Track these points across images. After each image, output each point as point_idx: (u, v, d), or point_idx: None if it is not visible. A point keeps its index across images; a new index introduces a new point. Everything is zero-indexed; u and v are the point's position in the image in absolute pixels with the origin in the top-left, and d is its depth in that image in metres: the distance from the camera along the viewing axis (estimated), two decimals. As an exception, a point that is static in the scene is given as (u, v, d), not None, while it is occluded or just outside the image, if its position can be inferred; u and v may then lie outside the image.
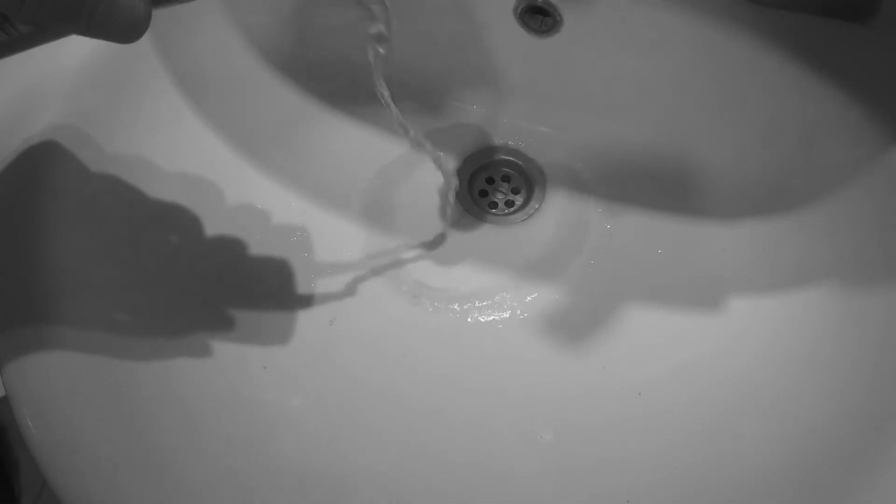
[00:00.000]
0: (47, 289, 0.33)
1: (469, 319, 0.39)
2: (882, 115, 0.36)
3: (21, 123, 0.35)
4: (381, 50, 0.30)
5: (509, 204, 0.43)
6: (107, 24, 0.22)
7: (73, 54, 0.36)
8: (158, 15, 0.24)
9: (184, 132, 0.40)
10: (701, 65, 0.40)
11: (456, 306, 0.39)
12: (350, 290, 0.39)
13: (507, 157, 0.44)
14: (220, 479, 0.32)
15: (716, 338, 0.37)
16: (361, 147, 0.44)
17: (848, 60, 0.37)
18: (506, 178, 0.44)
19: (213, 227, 0.38)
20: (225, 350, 0.36)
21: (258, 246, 0.39)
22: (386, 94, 0.32)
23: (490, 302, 0.39)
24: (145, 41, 0.34)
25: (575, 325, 0.38)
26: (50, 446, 0.30)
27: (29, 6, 0.21)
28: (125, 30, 0.23)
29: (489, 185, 0.44)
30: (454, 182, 0.39)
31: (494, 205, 0.43)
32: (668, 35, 0.39)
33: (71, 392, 0.31)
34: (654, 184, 0.42)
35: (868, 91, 0.37)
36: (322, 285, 0.39)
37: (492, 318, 0.39)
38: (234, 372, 0.36)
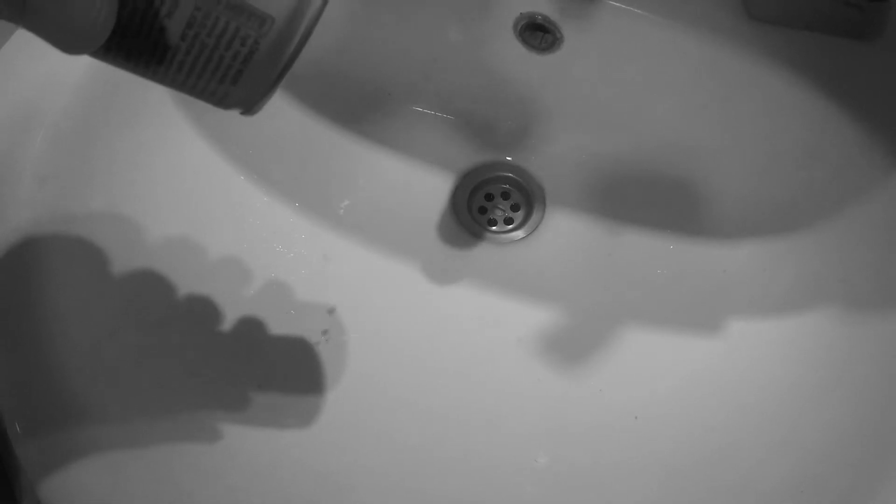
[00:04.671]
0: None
1: (466, 339, 0.39)
2: (885, 135, 0.36)
3: (15, 143, 0.35)
4: None
5: (508, 221, 0.43)
6: (48, 15, 0.16)
7: (69, 71, 0.36)
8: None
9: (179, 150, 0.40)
10: (702, 83, 0.40)
11: (452, 326, 0.39)
12: (343, 311, 0.39)
13: (506, 174, 0.44)
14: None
15: (714, 361, 0.37)
16: (358, 163, 0.43)
17: (852, 79, 0.37)
18: (505, 195, 0.44)
19: (211, 259, 0.38)
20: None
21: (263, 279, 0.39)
22: None
23: (487, 322, 0.39)
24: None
25: (572, 347, 0.38)
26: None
27: None
28: (74, 32, 0.17)
29: (488, 201, 0.44)
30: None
31: (493, 222, 0.43)
32: (669, 53, 0.39)
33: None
34: (654, 202, 0.42)
35: (872, 111, 0.36)
36: (315, 304, 0.39)
37: (488, 338, 0.39)
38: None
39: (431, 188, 0.43)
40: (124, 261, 0.35)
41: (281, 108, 0.43)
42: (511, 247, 0.42)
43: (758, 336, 0.37)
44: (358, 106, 0.44)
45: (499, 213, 0.44)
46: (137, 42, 0.19)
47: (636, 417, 0.36)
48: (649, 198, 0.42)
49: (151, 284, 0.36)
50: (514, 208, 0.44)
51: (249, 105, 0.21)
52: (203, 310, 0.37)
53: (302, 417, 0.36)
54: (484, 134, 0.45)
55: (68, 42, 0.17)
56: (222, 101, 0.21)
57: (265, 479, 0.34)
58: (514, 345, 0.39)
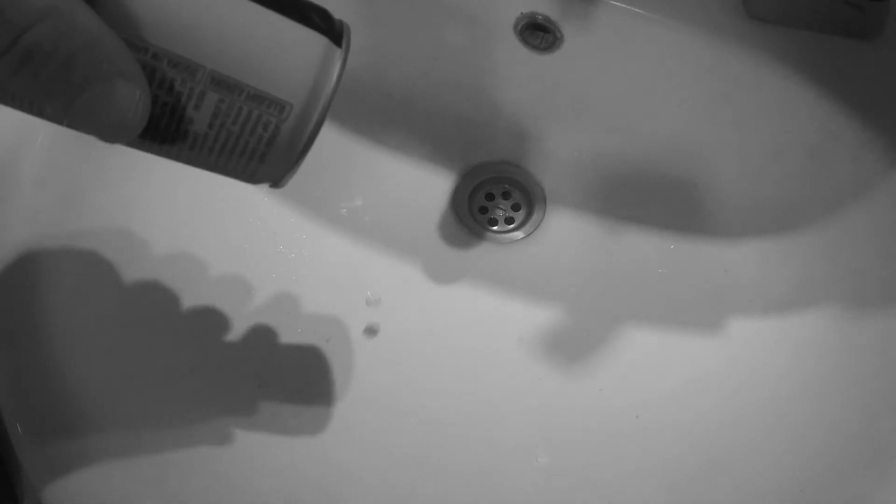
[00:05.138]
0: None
1: (466, 339, 0.39)
2: (885, 134, 0.36)
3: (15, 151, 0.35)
4: None
5: (509, 221, 0.43)
6: (94, 112, 0.18)
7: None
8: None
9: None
10: (703, 82, 0.40)
11: (453, 325, 0.39)
12: (345, 312, 0.39)
13: (507, 174, 0.44)
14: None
15: (715, 360, 0.37)
16: (359, 163, 0.43)
17: (852, 78, 0.37)
18: (506, 195, 0.44)
19: (213, 264, 0.38)
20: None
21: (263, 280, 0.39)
22: None
23: (488, 321, 0.39)
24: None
25: (573, 347, 0.38)
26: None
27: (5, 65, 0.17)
28: (114, 126, 0.19)
29: (489, 201, 0.44)
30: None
31: (494, 222, 0.43)
32: (669, 52, 0.39)
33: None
34: (655, 202, 0.42)
35: (872, 110, 0.36)
36: (316, 305, 0.39)
37: (489, 337, 0.39)
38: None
39: (432, 188, 0.43)
40: (126, 263, 0.36)
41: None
42: (512, 246, 0.42)
43: (759, 335, 0.37)
44: (358, 106, 0.44)
45: (499, 212, 0.44)
46: (169, 132, 0.21)
47: (637, 417, 0.36)
48: (650, 197, 0.42)
49: (153, 286, 0.36)
50: (515, 208, 0.44)
51: (277, 179, 0.23)
52: (204, 312, 0.37)
53: (304, 419, 0.36)
54: (484, 133, 0.45)
55: (108, 134, 0.19)
56: (252, 178, 0.23)
57: (266, 478, 0.34)
58: (514, 344, 0.39)
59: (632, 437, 0.36)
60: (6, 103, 0.20)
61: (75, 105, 0.18)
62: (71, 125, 0.19)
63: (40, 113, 0.20)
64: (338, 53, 0.22)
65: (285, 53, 0.21)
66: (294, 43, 0.21)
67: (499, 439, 0.36)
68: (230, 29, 0.20)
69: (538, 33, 0.40)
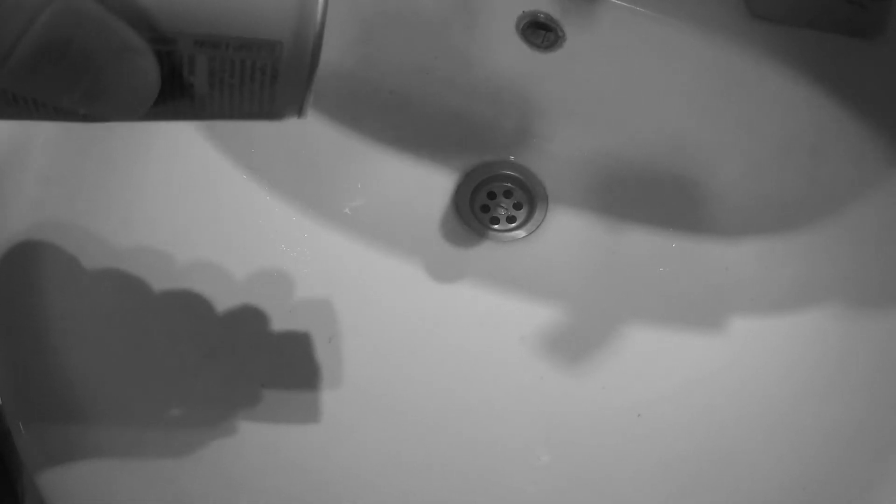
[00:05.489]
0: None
1: (468, 337, 0.39)
2: (887, 133, 0.36)
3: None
4: None
5: (511, 219, 0.43)
6: (110, 92, 0.19)
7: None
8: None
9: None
10: (705, 81, 0.40)
11: (455, 324, 0.39)
12: (347, 310, 0.39)
13: (508, 172, 0.44)
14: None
15: (717, 358, 0.37)
16: (361, 162, 0.44)
17: (854, 77, 0.37)
18: (507, 194, 0.44)
19: (212, 262, 0.38)
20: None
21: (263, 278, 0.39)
22: None
23: (490, 320, 0.39)
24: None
25: (575, 345, 0.38)
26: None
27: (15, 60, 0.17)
28: (130, 102, 0.19)
29: (491, 200, 0.44)
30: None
31: (496, 220, 0.43)
32: (671, 51, 0.39)
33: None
34: (657, 200, 0.42)
35: (874, 108, 0.36)
36: (319, 304, 0.39)
37: (491, 336, 0.39)
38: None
39: (434, 186, 0.43)
40: (127, 260, 0.36)
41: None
42: (513, 245, 0.42)
43: (760, 334, 0.37)
44: (360, 104, 0.44)
45: (501, 211, 0.44)
46: (175, 99, 0.21)
47: (639, 415, 0.36)
48: (651, 196, 0.42)
49: (155, 285, 0.36)
50: (517, 206, 0.44)
51: (295, 113, 0.23)
52: (206, 310, 0.37)
53: (306, 417, 0.36)
54: (486, 132, 0.45)
55: (127, 110, 0.20)
56: (269, 117, 0.23)
57: (267, 478, 0.34)
58: (516, 343, 0.39)
59: (633, 435, 0.36)
60: (7, 116, 0.20)
61: (93, 90, 0.18)
62: (89, 111, 0.19)
63: (47, 114, 0.20)
64: None
65: None
66: None
67: (501, 438, 0.36)
68: None
69: (540, 32, 0.40)
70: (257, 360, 0.37)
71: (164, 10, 0.20)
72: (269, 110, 0.22)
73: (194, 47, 0.20)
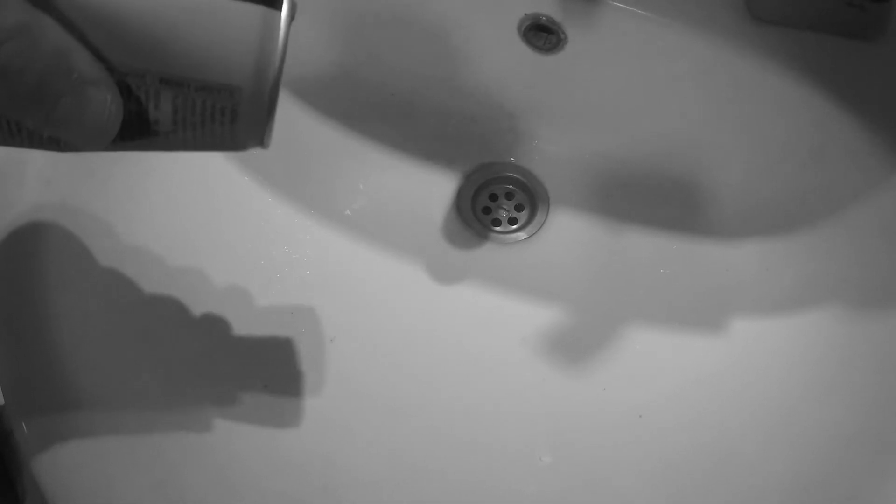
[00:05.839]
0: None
1: (470, 339, 0.39)
2: (887, 135, 0.36)
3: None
4: None
5: (512, 221, 0.43)
6: (72, 120, 0.20)
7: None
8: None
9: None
10: (705, 83, 0.40)
11: (457, 326, 0.39)
12: (348, 311, 0.39)
13: (510, 174, 0.44)
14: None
15: (718, 359, 0.37)
16: (362, 164, 0.44)
17: (854, 79, 0.37)
18: (509, 196, 0.44)
19: (209, 262, 0.38)
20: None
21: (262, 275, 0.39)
22: None
23: (491, 321, 0.39)
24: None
25: (577, 346, 0.38)
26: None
27: None
28: (92, 131, 0.20)
29: (492, 201, 0.44)
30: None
31: (497, 222, 0.43)
32: (673, 53, 0.39)
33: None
34: (658, 202, 0.42)
35: (874, 110, 0.36)
36: (320, 305, 0.39)
37: (493, 337, 0.39)
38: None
39: (436, 188, 0.43)
40: (128, 260, 0.36)
41: (284, 110, 0.43)
42: (515, 247, 0.42)
43: (761, 335, 0.37)
44: (362, 106, 0.44)
45: (503, 213, 0.44)
46: (140, 133, 0.22)
47: (640, 416, 0.36)
48: (652, 198, 0.42)
49: (156, 285, 0.36)
50: (518, 208, 0.44)
51: (257, 142, 0.24)
52: (207, 309, 0.37)
53: (307, 417, 0.36)
54: (488, 134, 0.45)
55: (87, 140, 0.21)
56: (232, 149, 0.24)
57: (269, 478, 0.34)
58: (518, 344, 0.39)
59: (635, 436, 0.36)
60: None
61: (54, 115, 0.19)
62: (55, 136, 0.21)
63: (16, 136, 0.21)
64: (277, 16, 0.22)
65: (221, 37, 0.21)
66: (227, 24, 0.21)
67: (503, 439, 0.36)
68: (165, 27, 0.21)
69: (542, 34, 0.41)
70: (259, 360, 0.37)
71: (130, 46, 0.21)
72: (232, 145, 0.24)
73: (160, 84, 0.21)
